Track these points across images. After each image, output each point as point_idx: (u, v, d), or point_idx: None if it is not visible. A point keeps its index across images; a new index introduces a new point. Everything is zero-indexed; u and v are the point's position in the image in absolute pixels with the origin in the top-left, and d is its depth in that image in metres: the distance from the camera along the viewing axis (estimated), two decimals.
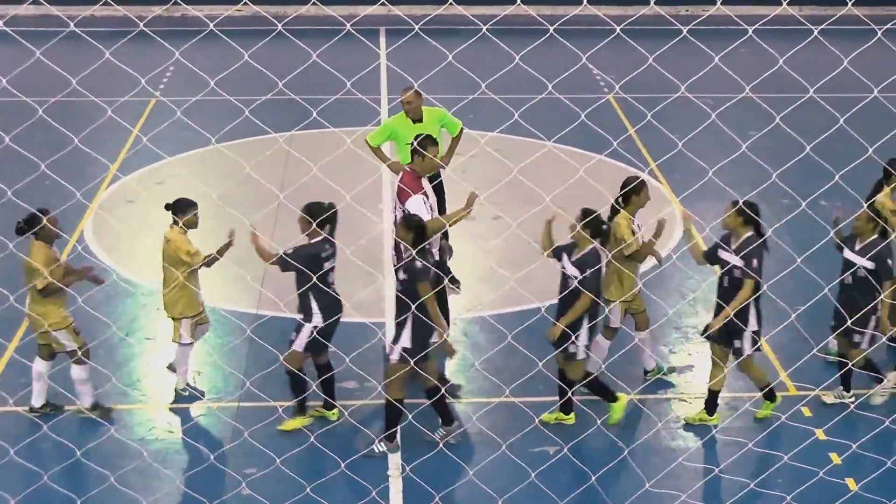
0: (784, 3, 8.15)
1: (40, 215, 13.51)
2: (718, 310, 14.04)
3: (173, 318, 14.48)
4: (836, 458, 13.49)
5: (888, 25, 9.11)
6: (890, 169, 15.02)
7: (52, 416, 14.08)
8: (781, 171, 10.58)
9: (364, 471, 13.00)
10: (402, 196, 14.82)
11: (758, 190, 13.29)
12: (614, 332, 15.08)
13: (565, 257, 13.78)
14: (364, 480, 12.39)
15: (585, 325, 13.74)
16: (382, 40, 31.22)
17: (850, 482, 13.09)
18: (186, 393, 14.86)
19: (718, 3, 14.84)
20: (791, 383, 15.24)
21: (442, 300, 14.59)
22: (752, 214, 13.65)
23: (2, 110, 22.03)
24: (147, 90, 24.23)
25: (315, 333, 13.59)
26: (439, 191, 17.31)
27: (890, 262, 13.92)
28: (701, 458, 13.87)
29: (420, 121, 17.20)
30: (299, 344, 13.80)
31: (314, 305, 13.66)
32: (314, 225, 13.21)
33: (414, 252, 13.19)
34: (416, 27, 8.62)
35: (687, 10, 31.73)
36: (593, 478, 11.81)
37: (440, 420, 14.00)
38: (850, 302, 14.01)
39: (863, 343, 14.24)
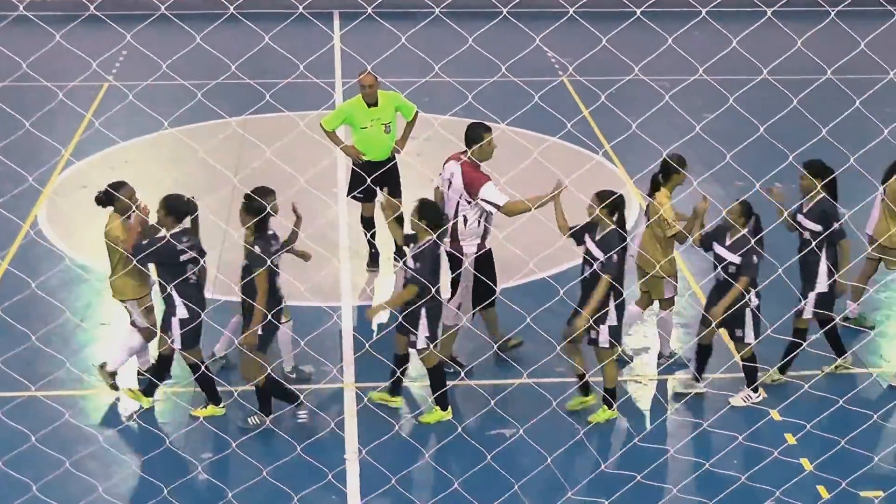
0: None
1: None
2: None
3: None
4: (791, 439, 13.58)
5: (840, 7, 9.16)
6: None
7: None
8: (735, 153, 10.65)
9: (321, 454, 13.00)
10: (472, 187, 14.58)
11: (712, 171, 13.36)
12: (671, 302, 15.34)
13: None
14: (321, 463, 12.40)
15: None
16: (336, 23, 31.17)
17: (804, 462, 13.17)
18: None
19: None
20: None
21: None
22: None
23: None
24: (99, 74, 24.10)
25: (184, 326, 13.51)
26: (394, 174, 17.32)
27: (755, 258, 13.91)
28: (656, 439, 13.93)
29: (376, 105, 17.19)
30: (176, 341, 13.72)
31: (176, 298, 13.57)
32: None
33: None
34: (369, 9, 8.63)
35: None
36: (549, 459, 11.86)
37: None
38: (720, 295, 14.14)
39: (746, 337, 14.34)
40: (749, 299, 13.71)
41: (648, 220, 14.88)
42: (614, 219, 13.59)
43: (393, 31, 9.82)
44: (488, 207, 14.59)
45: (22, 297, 14.02)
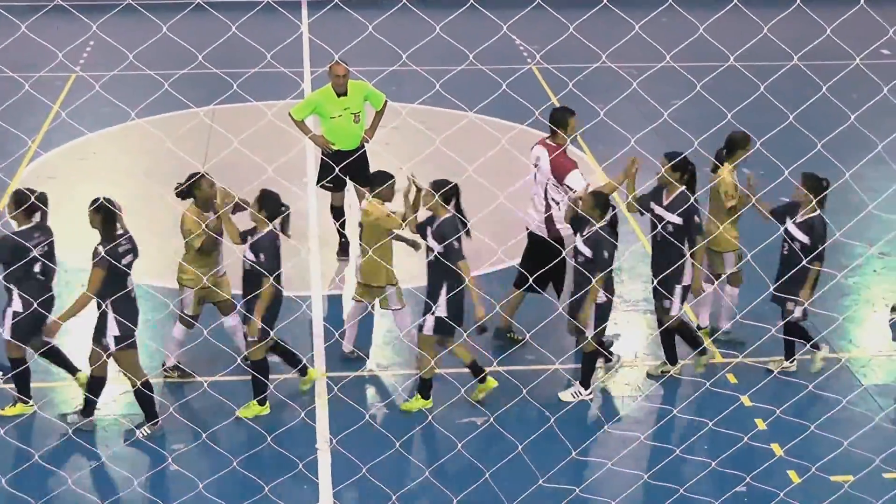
0: None
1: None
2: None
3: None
4: (761, 424, 13.62)
5: None
6: None
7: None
8: (703, 140, 10.67)
9: (292, 444, 12.99)
10: (559, 172, 14.84)
11: (680, 157, 13.41)
12: (738, 278, 15.50)
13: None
14: (292, 454, 12.40)
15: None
16: (305, 13, 31.11)
17: (775, 447, 13.22)
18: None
19: None
20: (717, 350, 15.38)
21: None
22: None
23: None
24: (67, 66, 24.04)
25: (16, 319, 13.43)
26: (363, 163, 17.30)
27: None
28: (627, 425, 13.96)
29: (345, 94, 17.19)
30: (6, 331, 13.62)
31: (14, 292, 13.43)
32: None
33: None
34: None
35: None
36: (520, 447, 11.87)
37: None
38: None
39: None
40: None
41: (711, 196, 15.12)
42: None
43: (360, 20, 9.81)
44: (571, 193, 14.81)
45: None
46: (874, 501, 11.34)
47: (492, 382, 14.12)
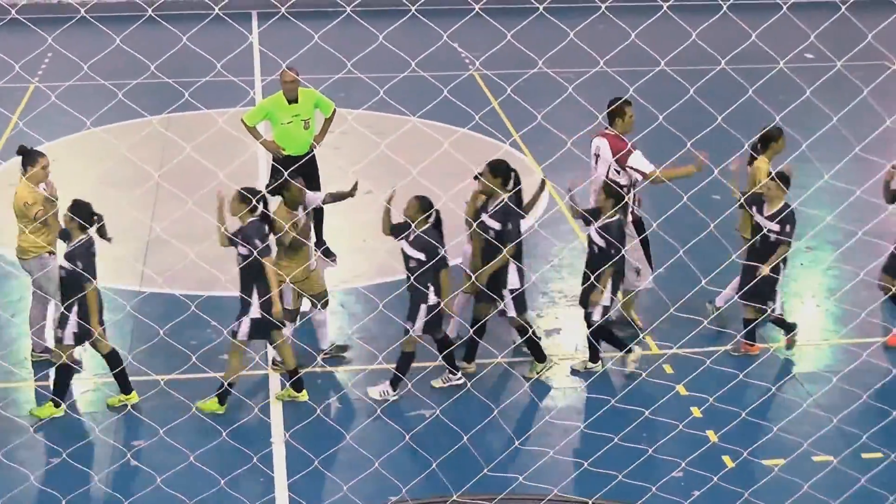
0: None
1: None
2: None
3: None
4: (696, 412, 13.68)
5: (731, 0, 9.24)
6: None
7: None
8: (636, 140, 10.71)
9: (247, 438, 12.96)
10: (622, 157, 15.08)
11: (615, 157, 13.46)
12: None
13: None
14: (247, 448, 12.37)
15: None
16: (255, 23, 31.03)
17: (710, 434, 13.28)
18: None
19: None
20: (653, 342, 15.44)
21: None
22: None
23: None
24: (24, 77, 23.87)
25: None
26: (312, 167, 17.29)
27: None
28: (568, 416, 13.99)
29: (296, 101, 17.19)
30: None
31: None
32: None
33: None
34: (283, 9, 8.60)
35: None
36: (465, 438, 11.88)
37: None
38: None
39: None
40: None
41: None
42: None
43: (308, 30, 9.77)
44: (635, 175, 15.09)
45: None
46: (803, 483, 11.40)
47: (304, 396, 14.19)
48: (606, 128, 15.25)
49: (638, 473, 11.68)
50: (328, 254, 17.91)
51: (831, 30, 12.50)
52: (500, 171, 14.14)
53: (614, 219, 13.97)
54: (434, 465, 11.60)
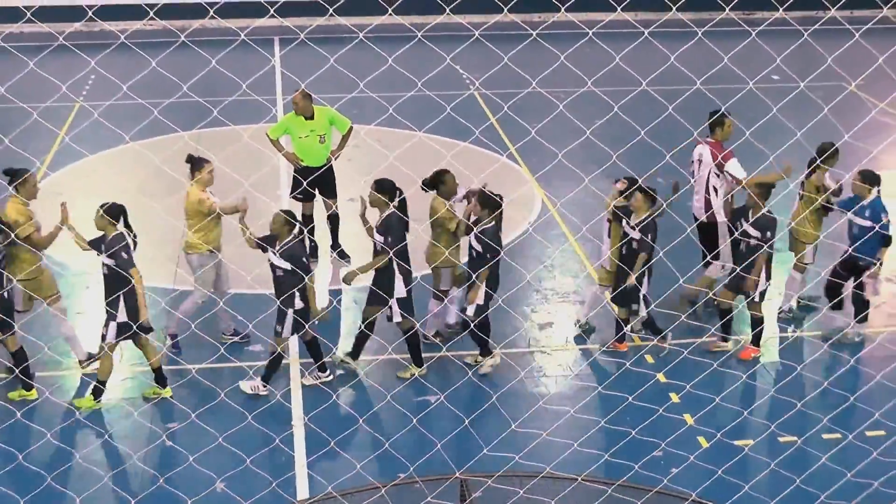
0: (618, 10, 8.22)
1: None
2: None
3: None
4: (674, 398, 13.66)
5: (706, 27, 9.22)
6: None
7: None
8: (620, 153, 10.69)
9: (270, 422, 12.95)
10: (721, 162, 15.40)
11: (602, 168, 13.38)
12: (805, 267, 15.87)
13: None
14: (270, 430, 12.35)
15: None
16: (276, 48, 30.97)
17: (686, 417, 13.26)
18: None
19: (563, 9, 14.96)
20: (636, 335, 15.42)
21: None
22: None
23: None
24: (70, 97, 23.84)
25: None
26: (329, 177, 17.30)
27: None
28: (559, 401, 13.98)
29: (311, 118, 17.15)
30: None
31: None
32: None
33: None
34: (302, 35, 8.57)
35: (539, 17, 31.88)
36: (466, 421, 11.87)
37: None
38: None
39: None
40: None
41: (802, 195, 15.58)
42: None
43: (324, 53, 9.75)
44: (731, 179, 15.38)
45: (5, 290, 13.83)
46: (770, 462, 11.37)
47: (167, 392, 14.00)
48: (707, 137, 15.66)
49: (622, 453, 11.66)
50: (343, 255, 17.90)
51: (795, 54, 12.51)
52: (386, 188, 14.02)
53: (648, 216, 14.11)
54: (438, 446, 11.55)
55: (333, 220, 17.79)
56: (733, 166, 15.35)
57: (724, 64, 10.06)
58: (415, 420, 11.59)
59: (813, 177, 15.32)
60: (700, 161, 15.68)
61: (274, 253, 13.59)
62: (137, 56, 11.76)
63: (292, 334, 13.76)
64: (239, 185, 12.39)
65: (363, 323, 14.26)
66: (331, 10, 8.56)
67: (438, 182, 14.57)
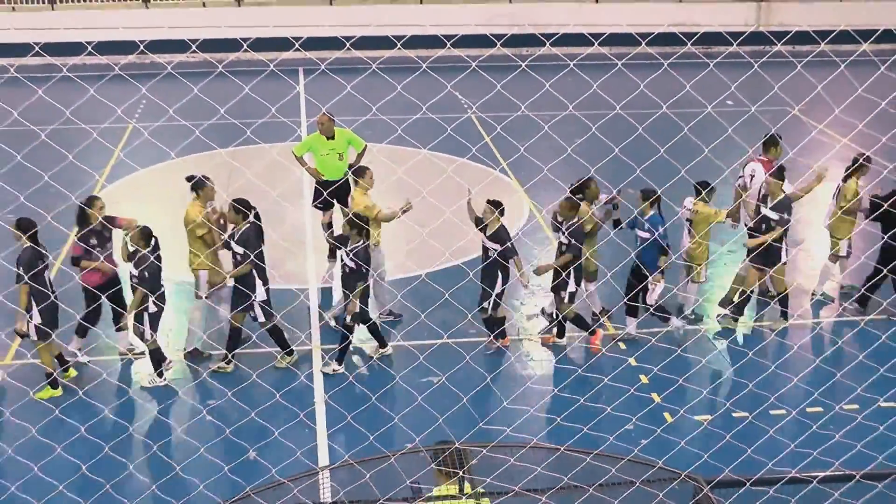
0: (595, 44, 8.15)
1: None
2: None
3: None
4: (644, 379, 13.61)
5: (670, 59, 9.19)
6: None
7: None
8: (597, 168, 10.64)
9: (296, 399, 12.91)
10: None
11: (580, 181, 13.34)
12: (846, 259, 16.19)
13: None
14: (295, 407, 12.31)
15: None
16: (301, 76, 30.93)
17: (654, 395, 13.21)
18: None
19: (547, 44, 14.95)
20: (610, 324, 15.37)
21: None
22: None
23: (15, 135, 21.54)
24: (124, 119, 23.80)
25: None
26: (346, 190, 17.28)
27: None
28: (544, 382, 13.94)
29: (332, 138, 17.12)
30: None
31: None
32: None
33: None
34: (323, 66, 8.52)
35: (527, 51, 31.81)
36: (465, 399, 11.81)
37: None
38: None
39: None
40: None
41: (836, 200, 15.80)
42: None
43: (342, 82, 9.70)
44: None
45: (69, 285, 13.80)
46: (725, 434, 11.31)
47: (57, 392, 13.56)
48: (760, 155, 15.94)
49: (599, 426, 11.62)
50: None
51: (746, 83, 12.48)
52: (242, 205, 13.71)
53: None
54: (440, 420, 11.49)
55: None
56: (759, 169, 15.77)
57: (686, 91, 10.01)
58: (419, 398, 11.53)
59: (848, 183, 15.59)
60: (753, 176, 15.89)
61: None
62: (181, 84, 11.68)
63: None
64: (267, 194, 12.37)
65: (231, 329, 14.01)
66: (347, 45, 8.51)
67: (584, 188, 14.59)
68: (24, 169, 9.27)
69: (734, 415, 12.72)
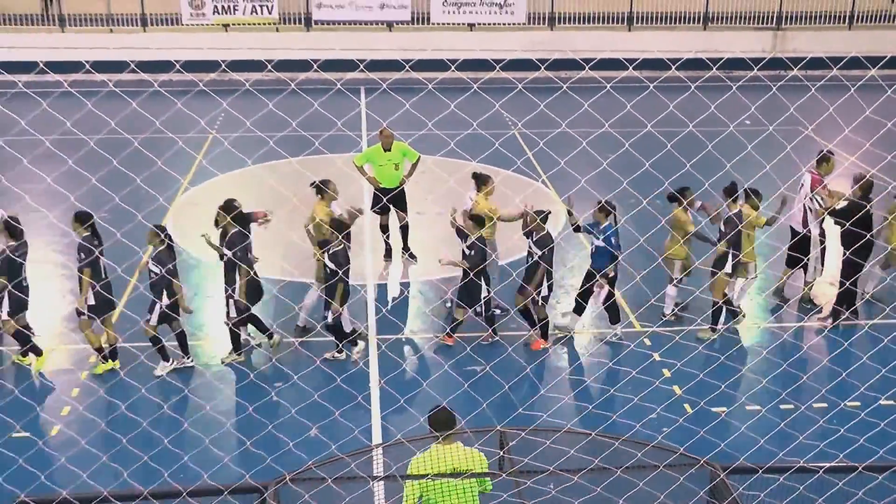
0: (630, 68, 8.11)
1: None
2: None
3: None
4: (666, 373, 13.51)
5: (697, 83, 9.10)
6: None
7: None
8: (630, 180, 10.57)
9: (353, 383, 12.93)
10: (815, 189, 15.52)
11: (613, 193, 13.24)
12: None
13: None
14: (354, 390, 12.33)
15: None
16: (362, 95, 31.00)
17: (675, 388, 13.11)
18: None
19: (587, 68, 14.90)
20: (637, 322, 15.26)
21: None
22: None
23: (111, 143, 21.73)
24: (206, 129, 23.97)
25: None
26: (402, 196, 17.33)
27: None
28: (577, 372, 13.87)
29: (389, 150, 17.16)
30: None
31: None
32: None
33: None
34: (384, 85, 8.52)
35: (566, 74, 31.69)
36: (506, 386, 11.78)
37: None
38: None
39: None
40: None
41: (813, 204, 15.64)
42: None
43: (400, 100, 9.71)
44: (818, 204, 15.44)
45: (156, 279, 13.88)
46: (741, 425, 11.22)
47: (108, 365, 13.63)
48: (812, 167, 15.76)
49: (626, 415, 11.54)
50: (413, 256, 17.89)
51: (765, 104, 12.35)
52: (229, 209, 13.62)
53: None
54: (484, 405, 11.50)
55: (404, 230, 17.80)
56: (808, 180, 15.59)
57: (710, 111, 9.93)
58: (466, 385, 11.53)
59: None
60: (802, 186, 15.78)
61: (151, 259, 13.23)
62: (257, 99, 11.75)
63: (159, 324, 13.37)
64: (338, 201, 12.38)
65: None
66: (406, 66, 8.50)
67: (681, 195, 14.46)
68: (120, 172, 9.36)
69: (747, 408, 12.60)
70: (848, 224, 14.48)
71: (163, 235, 13.04)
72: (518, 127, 24.75)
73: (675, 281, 15.04)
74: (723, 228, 14.26)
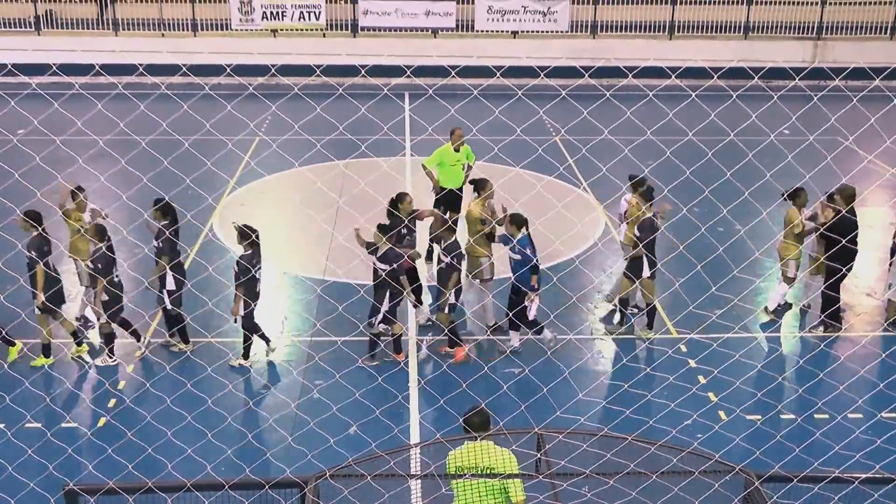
0: (673, 76, 8.03)
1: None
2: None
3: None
4: (702, 379, 13.40)
5: (738, 92, 9.03)
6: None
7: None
8: (671, 187, 10.49)
9: (393, 382, 12.93)
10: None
11: (652, 203, 13.19)
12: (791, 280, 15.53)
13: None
14: (393, 388, 12.32)
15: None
16: (407, 100, 31.06)
17: (711, 395, 12.99)
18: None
19: (629, 76, 14.76)
20: (673, 328, 15.15)
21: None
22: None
23: (163, 144, 21.91)
24: (254, 131, 24.10)
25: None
26: (456, 198, 17.36)
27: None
28: (615, 377, 13.79)
29: (458, 151, 17.29)
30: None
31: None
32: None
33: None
34: (430, 91, 8.53)
35: (607, 82, 31.59)
36: (545, 389, 11.73)
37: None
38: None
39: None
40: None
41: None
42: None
43: (446, 105, 9.69)
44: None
45: (202, 277, 13.98)
46: (776, 433, 11.10)
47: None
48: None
49: (662, 420, 11.46)
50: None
51: (804, 114, 12.23)
52: (166, 210, 13.47)
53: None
54: (522, 407, 11.46)
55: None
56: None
57: (751, 120, 9.83)
58: (505, 387, 11.50)
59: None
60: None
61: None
62: (305, 103, 11.82)
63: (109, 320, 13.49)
64: (378, 202, 12.40)
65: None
66: (453, 73, 8.48)
67: (795, 196, 14.43)
68: (170, 173, 9.41)
69: (782, 416, 12.47)
70: (837, 235, 14.20)
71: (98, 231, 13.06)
72: (561, 133, 24.72)
73: (791, 280, 15.06)
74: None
